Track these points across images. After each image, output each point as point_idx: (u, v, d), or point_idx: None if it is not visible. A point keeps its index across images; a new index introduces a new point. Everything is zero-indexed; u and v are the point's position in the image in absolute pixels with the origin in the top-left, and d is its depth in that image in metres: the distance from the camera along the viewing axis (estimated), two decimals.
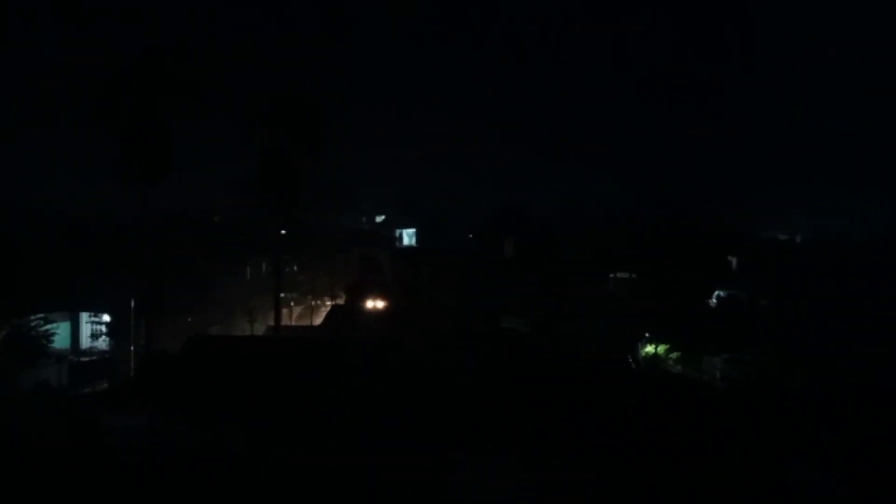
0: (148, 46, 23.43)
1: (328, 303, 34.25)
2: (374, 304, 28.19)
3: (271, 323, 26.86)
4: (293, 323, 32.13)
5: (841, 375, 18.64)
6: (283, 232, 27.67)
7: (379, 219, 55.05)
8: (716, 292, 31.33)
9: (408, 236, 51.71)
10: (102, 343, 26.54)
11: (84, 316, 27.67)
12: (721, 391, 20.31)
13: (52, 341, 24.40)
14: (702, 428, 13.80)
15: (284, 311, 29.81)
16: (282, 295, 27.50)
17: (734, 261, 33.14)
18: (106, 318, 26.81)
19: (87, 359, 25.68)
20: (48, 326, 24.44)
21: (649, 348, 27.68)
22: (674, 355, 26.98)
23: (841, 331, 22.03)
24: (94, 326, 27.13)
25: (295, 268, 34.27)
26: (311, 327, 30.60)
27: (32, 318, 24.41)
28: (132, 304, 24.51)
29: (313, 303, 35.18)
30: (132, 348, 24.07)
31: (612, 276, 32.71)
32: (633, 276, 31.64)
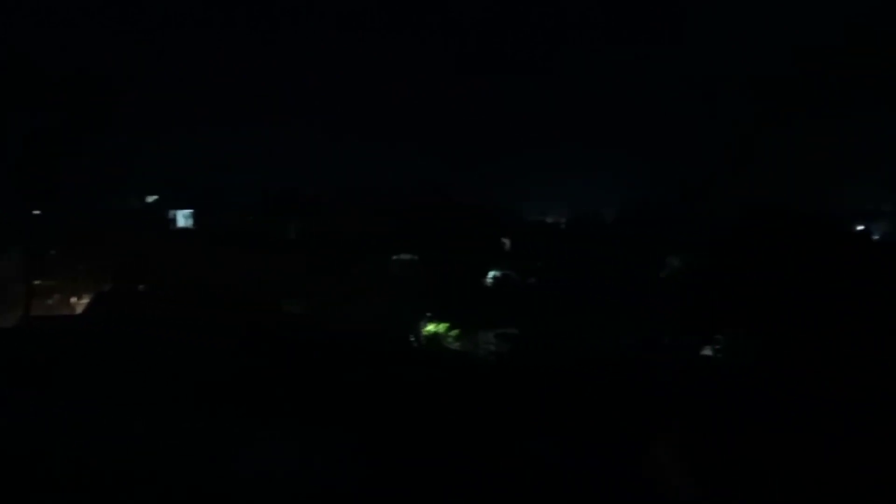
0: None
1: (94, 289, 31.66)
2: (143, 289, 26.66)
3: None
4: (53, 312, 29.38)
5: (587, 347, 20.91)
6: (37, 213, 25.25)
7: (151, 199, 51.36)
8: (491, 272, 33.31)
9: (183, 217, 48.83)
10: None
11: None
12: (487, 365, 21.90)
13: None
14: (460, 399, 14.76)
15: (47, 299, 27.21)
16: (37, 282, 25.06)
17: (507, 242, 35.41)
18: None
19: None
20: None
21: (431, 327, 28.95)
22: (453, 333, 28.50)
23: (591, 304, 24.63)
24: None
25: (53, 252, 31.24)
26: (72, 316, 28.29)
27: None
28: None
29: (75, 290, 32.31)
30: None
31: (395, 257, 33.48)
32: (415, 257, 32.66)
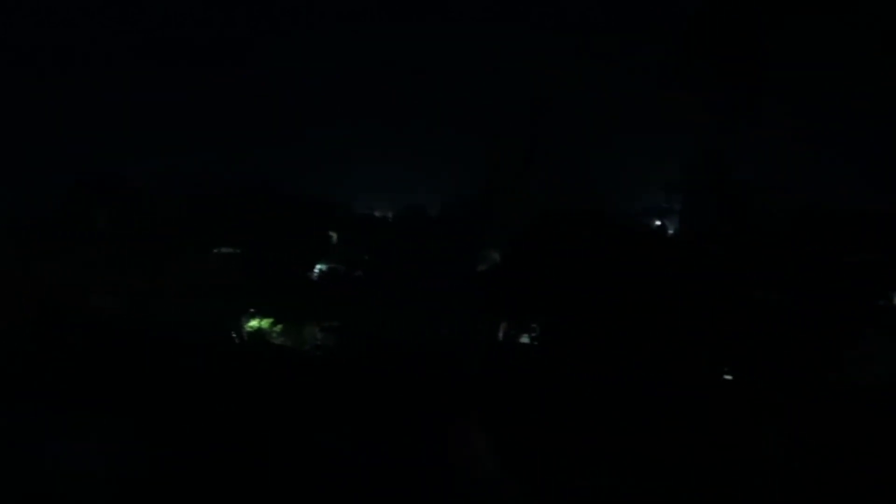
0: None
1: None
2: None
3: None
4: None
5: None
6: None
7: None
8: (317, 266, 33.09)
9: None
10: None
11: None
12: (308, 359, 21.96)
13: None
14: (265, 395, 14.81)
15: None
16: None
17: (335, 235, 35.26)
18: None
19: None
20: None
21: (254, 323, 28.30)
22: (278, 328, 28.05)
23: (414, 296, 25.34)
24: None
25: None
26: None
27: None
28: None
29: None
30: None
31: (216, 250, 32.34)
32: (239, 250, 31.73)
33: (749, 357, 18.31)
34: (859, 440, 15.06)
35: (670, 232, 27.98)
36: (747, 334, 18.20)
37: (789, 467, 14.80)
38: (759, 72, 21.00)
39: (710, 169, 21.43)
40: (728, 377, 19.07)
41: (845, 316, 19.48)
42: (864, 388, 18.62)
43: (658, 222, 31.57)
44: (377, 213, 44.30)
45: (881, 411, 16.05)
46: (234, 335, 26.82)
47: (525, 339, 23.52)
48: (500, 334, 23.92)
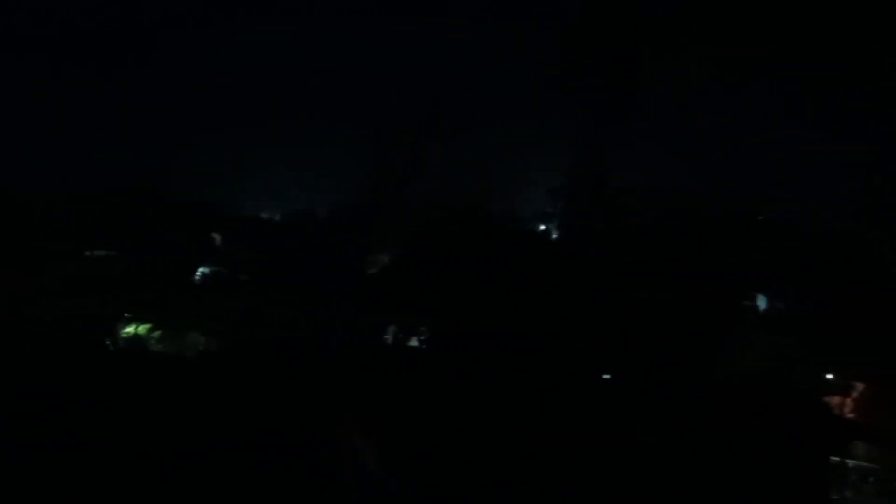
0: None
1: None
2: None
3: None
4: None
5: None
6: None
7: None
8: (200, 269, 31.99)
9: None
10: None
11: None
12: (188, 364, 21.37)
13: None
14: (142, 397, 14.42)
15: None
16: None
17: (218, 237, 34.15)
18: None
19: None
20: None
21: (130, 328, 27.00)
22: (156, 334, 26.87)
23: (301, 299, 25.02)
24: None
25: None
26: None
27: None
28: None
29: None
30: None
31: (90, 252, 30.68)
32: (114, 252, 30.20)
33: (625, 356, 19.08)
34: (731, 435, 15.92)
35: (553, 236, 28.83)
36: (624, 334, 18.95)
37: (664, 464, 15.49)
38: (634, 77, 21.91)
39: (589, 173, 22.18)
40: (607, 376, 19.80)
41: (715, 316, 20.59)
42: (732, 384, 19.74)
43: (542, 226, 32.52)
44: (264, 215, 43.42)
45: (750, 407, 17.02)
46: (107, 342, 25.54)
47: (413, 342, 23.66)
48: (388, 336, 23.92)
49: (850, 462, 22.56)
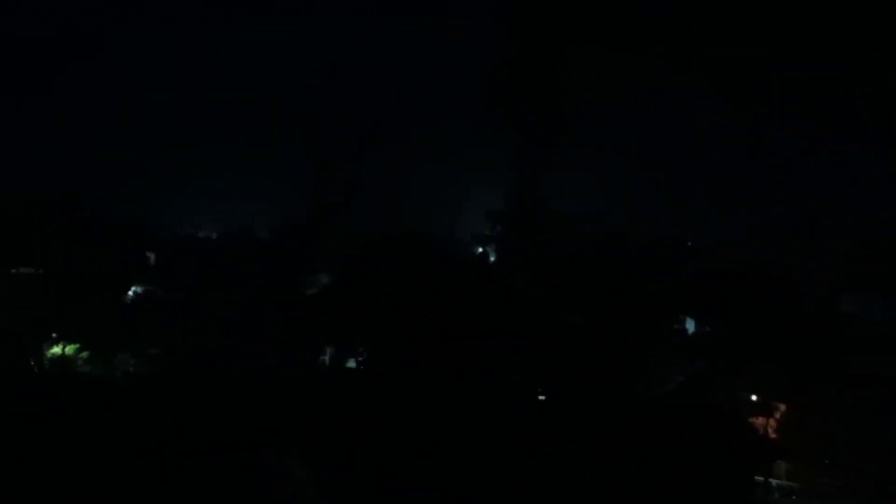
0: None
1: None
2: None
3: None
4: None
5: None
6: None
7: None
8: (132, 288, 31.19)
9: None
10: None
11: None
12: (125, 387, 20.78)
13: None
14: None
15: None
16: None
17: (153, 256, 33.35)
18: None
19: None
20: None
21: (56, 349, 26.07)
22: (84, 355, 25.97)
23: (237, 320, 24.63)
24: None
25: None
26: None
27: None
28: None
29: None
30: None
31: (13, 271, 29.58)
32: (39, 271, 29.14)
33: (554, 376, 19.48)
34: (657, 454, 16.39)
35: (492, 259, 29.25)
36: (553, 356, 19.34)
37: (590, 483, 15.86)
38: (560, 110, 22.52)
39: (524, 198, 22.62)
40: (539, 394, 20.17)
41: (641, 338, 21.21)
42: (659, 404, 20.34)
43: (480, 249, 32.91)
44: (200, 234, 42.56)
45: (675, 426, 17.55)
46: (32, 363, 24.63)
47: (350, 363, 23.54)
48: (325, 357, 23.75)
49: (773, 481, 23.48)
